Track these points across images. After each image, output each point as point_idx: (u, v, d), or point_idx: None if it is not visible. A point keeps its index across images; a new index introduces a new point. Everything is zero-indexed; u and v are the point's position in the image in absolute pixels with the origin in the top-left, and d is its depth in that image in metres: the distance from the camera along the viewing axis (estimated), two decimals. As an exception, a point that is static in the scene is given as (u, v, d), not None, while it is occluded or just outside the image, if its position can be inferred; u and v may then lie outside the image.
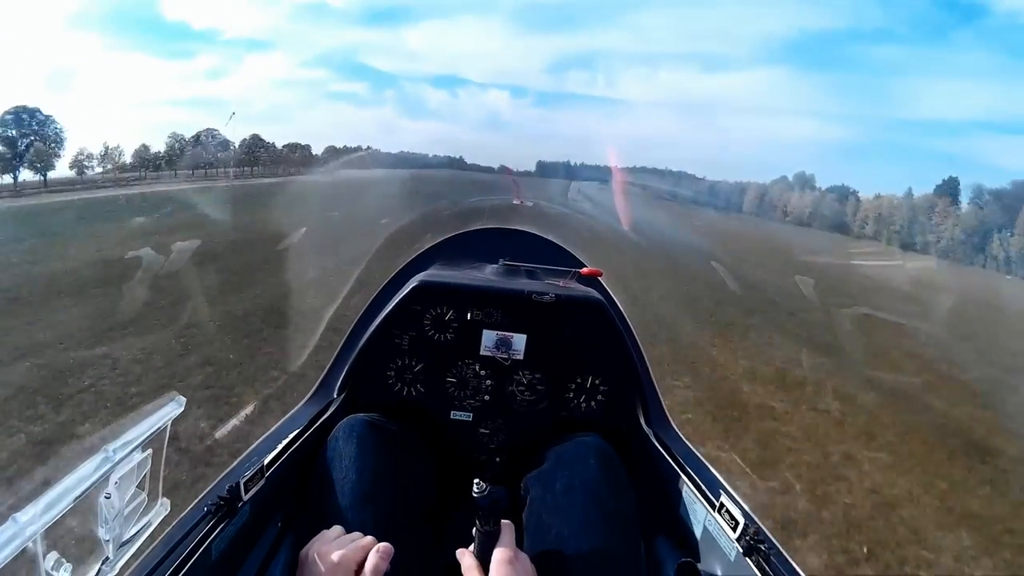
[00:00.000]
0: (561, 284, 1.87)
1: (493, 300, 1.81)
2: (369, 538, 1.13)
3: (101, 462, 0.87)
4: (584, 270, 1.91)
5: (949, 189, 64.49)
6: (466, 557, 1.15)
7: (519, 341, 1.81)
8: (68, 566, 0.81)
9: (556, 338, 1.82)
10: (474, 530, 1.13)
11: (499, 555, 1.10)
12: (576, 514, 1.35)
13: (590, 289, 1.90)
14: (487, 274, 1.98)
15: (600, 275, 1.89)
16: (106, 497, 0.90)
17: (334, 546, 1.10)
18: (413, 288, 1.81)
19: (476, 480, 1.10)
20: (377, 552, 1.10)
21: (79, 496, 0.81)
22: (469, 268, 2.04)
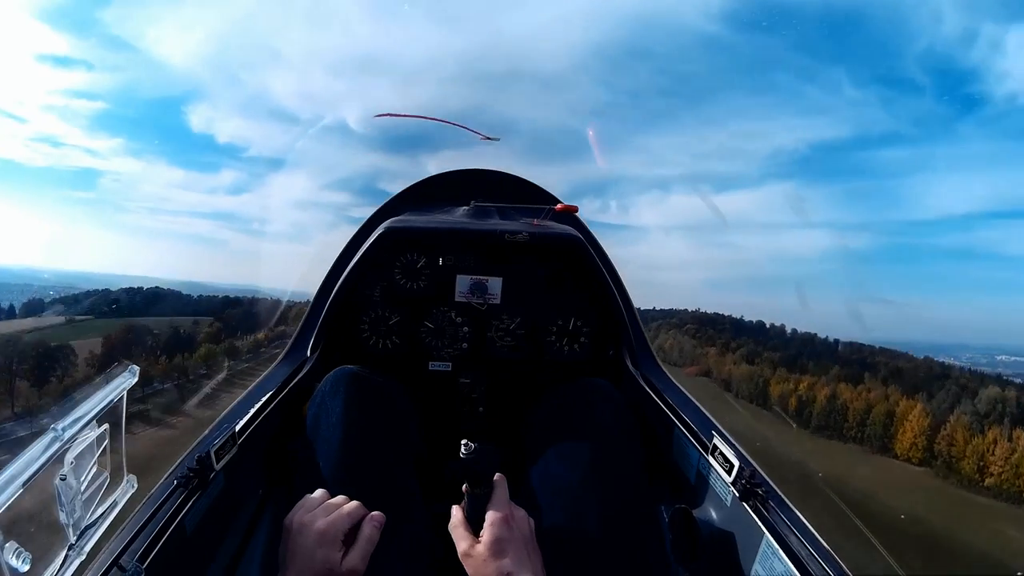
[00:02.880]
0: (535, 222, 1.78)
1: (465, 243, 1.73)
2: (355, 504, 1.07)
3: (50, 442, 0.78)
4: (559, 206, 1.80)
5: None
6: (455, 515, 1.09)
7: (495, 285, 1.75)
8: (27, 555, 0.74)
9: (533, 279, 1.76)
10: (463, 488, 1.08)
11: (492, 516, 1.04)
12: (584, 463, 1.32)
13: (566, 226, 1.83)
14: (457, 216, 1.88)
15: (576, 211, 1.81)
16: (61, 479, 0.81)
17: (319, 513, 1.04)
18: (380, 235, 1.70)
19: (464, 441, 1.04)
20: (371, 521, 1.05)
21: (28, 481, 0.72)
22: (439, 212, 1.94)
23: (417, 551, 1.26)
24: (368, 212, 2.08)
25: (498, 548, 1.00)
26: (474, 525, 1.05)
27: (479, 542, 1.01)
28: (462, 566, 1.03)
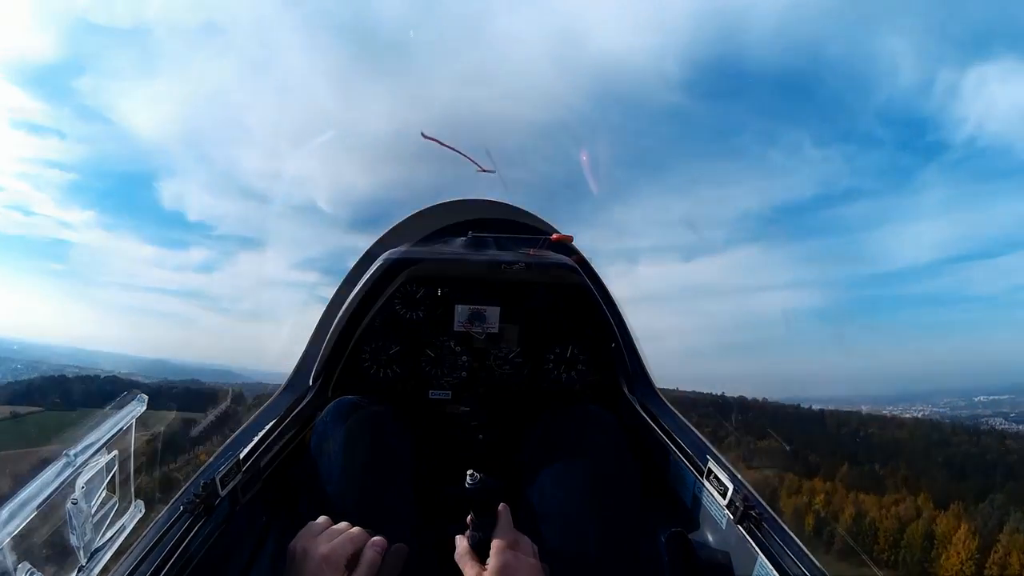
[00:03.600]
0: (532, 252, 1.82)
1: (463, 273, 1.78)
2: (357, 530, 1.09)
3: (63, 467, 0.83)
4: (555, 236, 1.85)
5: None
6: (460, 545, 1.10)
7: (492, 314, 1.79)
8: None
9: (530, 308, 1.80)
10: (468, 519, 1.09)
11: (497, 543, 1.05)
12: (579, 487, 1.34)
13: (562, 255, 1.87)
14: (455, 247, 1.93)
15: (571, 240, 1.86)
16: (73, 503, 0.86)
17: (322, 539, 1.06)
18: (380, 267, 1.75)
19: (470, 471, 1.04)
20: (372, 546, 1.07)
21: (41, 504, 0.78)
22: (437, 243, 2.00)
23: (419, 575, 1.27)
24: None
25: (505, 575, 1.00)
26: (479, 554, 1.06)
27: (486, 569, 1.02)
28: None
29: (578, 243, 1.86)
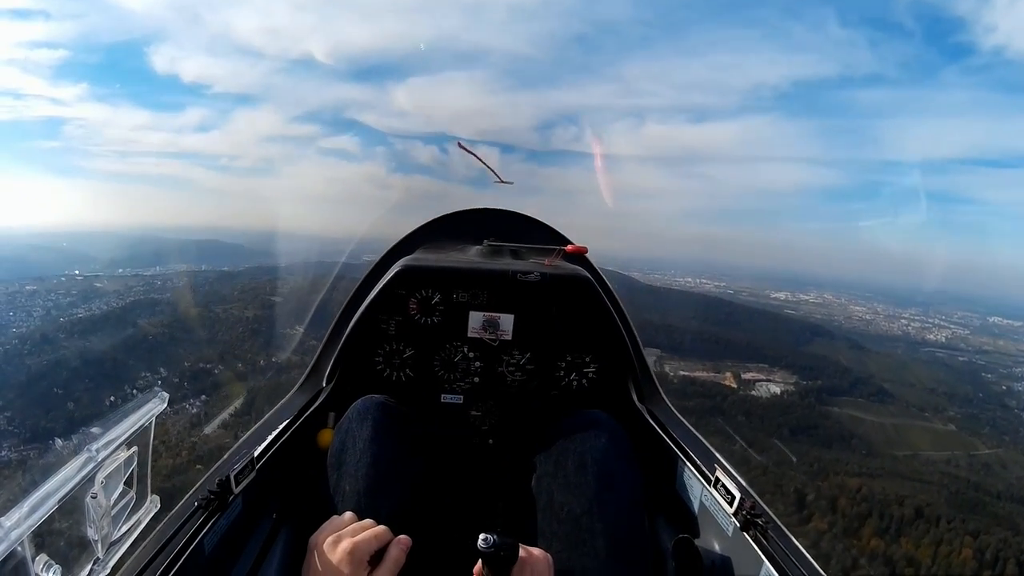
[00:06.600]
0: (546, 263, 1.85)
1: (478, 281, 1.79)
2: (383, 528, 1.10)
3: (85, 462, 0.85)
4: (569, 247, 1.88)
5: None
6: None
7: (506, 321, 1.80)
8: (58, 568, 0.80)
9: (544, 317, 1.81)
10: (476, 570, 1.07)
11: None
12: (588, 492, 1.35)
13: (577, 267, 1.89)
14: (471, 255, 1.96)
15: (585, 252, 1.88)
16: (92, 497, 0.88)
17: (346, 534, 1.07)
18: (397, 273, 1.78)
19: (483, 535, 1.00)
20: (398, 544, 1.08)
21: (63, 497, 0.80)
22: (453, 250, 2.02)
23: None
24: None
25: None
26: None
27: None
28: None
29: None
